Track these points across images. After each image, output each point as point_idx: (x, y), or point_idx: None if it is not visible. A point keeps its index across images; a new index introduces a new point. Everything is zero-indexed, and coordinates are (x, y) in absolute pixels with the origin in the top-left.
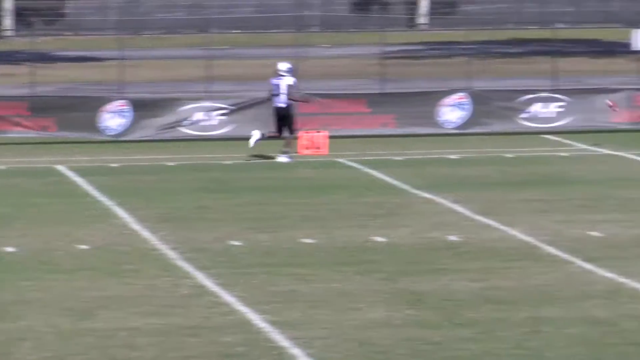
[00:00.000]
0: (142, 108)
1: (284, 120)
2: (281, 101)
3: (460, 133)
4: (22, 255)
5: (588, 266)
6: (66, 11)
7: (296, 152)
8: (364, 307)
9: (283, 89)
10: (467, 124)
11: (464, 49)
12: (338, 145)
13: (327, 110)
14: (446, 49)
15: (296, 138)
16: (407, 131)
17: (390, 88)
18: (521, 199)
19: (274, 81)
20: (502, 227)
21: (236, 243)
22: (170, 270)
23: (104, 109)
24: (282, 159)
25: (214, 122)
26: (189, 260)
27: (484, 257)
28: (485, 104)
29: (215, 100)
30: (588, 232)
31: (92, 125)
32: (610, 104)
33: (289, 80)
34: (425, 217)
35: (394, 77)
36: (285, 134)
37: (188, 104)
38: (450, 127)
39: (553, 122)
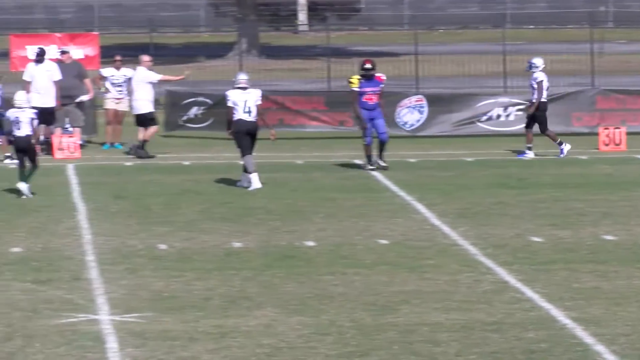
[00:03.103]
0: (438, 103)
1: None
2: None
3: None
4: (322, 250)
5: None
6: (360, 6)
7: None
8: None
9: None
10: None
11: None
12: (636, 141)
13: (623, 106)
14: None
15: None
16: None
17: None
18: None
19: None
20: None
21: (536, 239)
22: (471, 266)
23: (401, 104)
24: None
25: (512, 117)
26: (489, 256)
27: None
28: None
29: (512, 95)
30: None
31: (390, 120)
32: None
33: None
34: None
35: None
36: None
37: (485, 99)
38: None
39: None
